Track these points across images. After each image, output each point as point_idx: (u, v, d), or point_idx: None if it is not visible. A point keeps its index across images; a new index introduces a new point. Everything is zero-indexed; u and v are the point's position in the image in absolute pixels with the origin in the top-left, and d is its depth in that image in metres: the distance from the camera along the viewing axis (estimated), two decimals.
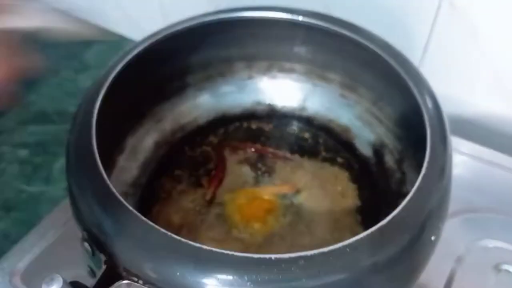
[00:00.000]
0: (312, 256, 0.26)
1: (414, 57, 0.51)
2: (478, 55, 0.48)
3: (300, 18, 0.42)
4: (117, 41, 0.77)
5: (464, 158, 0.49)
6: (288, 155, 0.47)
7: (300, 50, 0.47)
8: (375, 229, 0.28)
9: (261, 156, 0.48)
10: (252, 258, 0.26)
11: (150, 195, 0.44)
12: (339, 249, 0.27)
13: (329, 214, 0.42)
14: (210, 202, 0.43)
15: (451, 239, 0.42)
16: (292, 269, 0.26)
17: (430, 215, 0.30)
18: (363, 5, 0.51)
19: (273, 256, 0.26)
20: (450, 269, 0.41)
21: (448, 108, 0.53)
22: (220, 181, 0.45)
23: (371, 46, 0.38)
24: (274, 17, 0.43)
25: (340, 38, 0.40)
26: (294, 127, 0.50)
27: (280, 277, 0.26)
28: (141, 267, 0.27)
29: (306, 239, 0.40)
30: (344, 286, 0.27)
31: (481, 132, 0.53)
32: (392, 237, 0.28)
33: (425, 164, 0.31)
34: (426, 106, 0.34)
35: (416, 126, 0.35)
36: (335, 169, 0.46)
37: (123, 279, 0.27)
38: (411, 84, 0.35)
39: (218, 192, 0.44)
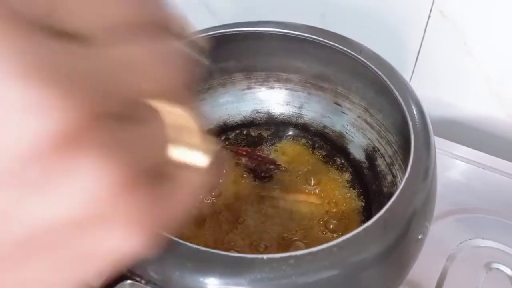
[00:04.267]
0: (301, 256, 0.28)
1: (407, 64, 0.53)
2: (468, 61, 0.49)
3: (295, 32, 0.43)
4: None
5: (457, 161, 0.50)
6: (280, 160, 0.49)
7: (295, 61, 0.48)
8: (360, 229, 0.29)
9: (259, 162, 0.49)
10: (246, 258, 0.28)
11: None
12: (326, 248, 0.28)
13: (325, 216, 0.44)
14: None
15: (444, 238, 0.44)
16: (283, 267, 0.27)
17: (415, 215, 0.31)
18: (357, 17, 0.53)
19: (265, 256, 0.27)
20: (442, 267, 0.42)
21: (440, 112, 0.54)
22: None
23: (360, 56, 0.40)
24: (271, 31, 0.44)
25: (331, 50, 0.42)
26: (291, 133, 0.52)
27: (272, 275, 0.27)
28: (144, 268, 0.28)
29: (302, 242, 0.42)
30: (333, 283, 0.28)
31: (472, 135, 0.54)
32: (377, 236, 0.29)
33: (409, 167, 0.32)
34: (410, 113, 0.35)
35: (404, 132, 0.37)
36: (330, 173, 0.48)
37: (127, 279, 0.28)
38: (396, 92, 0.37)
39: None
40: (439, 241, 0.43)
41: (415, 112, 0.36)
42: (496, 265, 0.43)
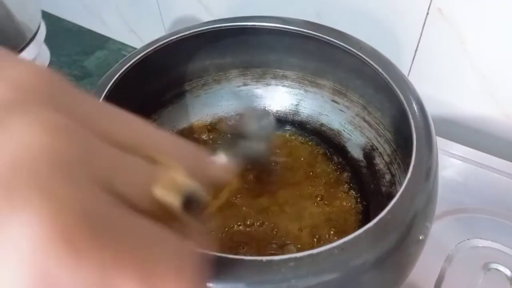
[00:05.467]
0: (301, 258, 0.27)
1: (404, 62, 0.52)
2: (465, 60, 0.48)
3: (291, 27, 0.43)
4: (118, 49, 0.78)
5: (454, 161, 0.50)
6: (275, 158, 0.47)
7: (292, 57, 0.47)
8: (362, 231, 0.28)
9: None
10: (243, 260, 0.27)
11: None
12: (327, 250, 0.27)
13: (322, 215, 0.43)
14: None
15: (442, 238, 0.44)
16: (282, 270, 0.26)
17: (416, 216, 0.31)
18: (354, 14, 0.52)
19: (264, 258, 0.27)
20: (440, 267, 0.42)
21: (437, 110, 0.54)
22: None
23: (359, 53, 0.39)
24: (267, 27, 0.43)
25: (329, 46, 0.41)
26: (288, 131, 0.51)
27: (271, 278, 0.26)
28: None
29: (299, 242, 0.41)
30: (333, 286, 0.28)
31: (470, 134, 0.53)
32: (379, 238, 0.29)
33: (411, 167, 0.32)
34: (412, 111, 0.35)
35: (403, 130, 0.36)
36: (327, 172, 0.47)
37: None
38: (397, 89, 0.36)
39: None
40: (437, 241, 0.42)
41: (416, 110, 0.35)
42: (494, 266, 0.42)
